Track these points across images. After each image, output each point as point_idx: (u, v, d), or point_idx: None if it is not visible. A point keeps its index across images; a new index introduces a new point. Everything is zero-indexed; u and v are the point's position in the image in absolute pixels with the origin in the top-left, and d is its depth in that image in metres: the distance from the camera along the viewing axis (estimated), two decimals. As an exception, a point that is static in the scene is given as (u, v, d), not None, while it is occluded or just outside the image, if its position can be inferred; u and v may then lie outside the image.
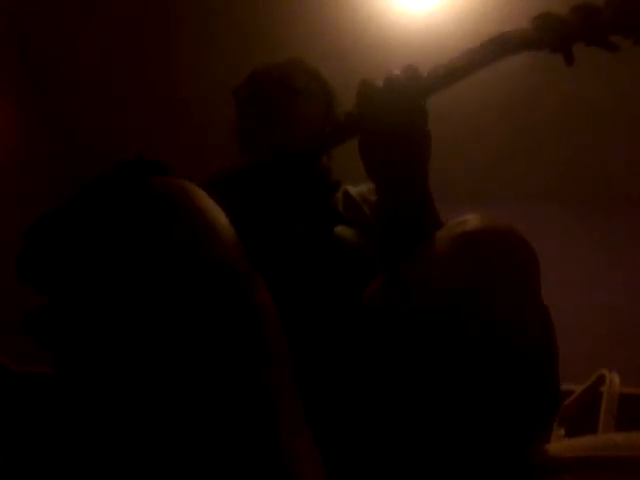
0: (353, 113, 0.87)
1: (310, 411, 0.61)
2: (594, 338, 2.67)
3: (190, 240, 0.60)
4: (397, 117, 0.78)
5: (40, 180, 2.75)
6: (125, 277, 0.58)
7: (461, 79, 0.80)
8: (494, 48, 0.79)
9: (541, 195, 2.93)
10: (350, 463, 0.66)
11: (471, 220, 0.71)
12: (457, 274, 0.66)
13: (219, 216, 0.64)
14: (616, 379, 1.62)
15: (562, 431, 1.65)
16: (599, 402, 1.61)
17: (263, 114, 1.09)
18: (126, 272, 0.58)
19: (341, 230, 0.96)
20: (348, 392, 0.70)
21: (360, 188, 1.10)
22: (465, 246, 0.68)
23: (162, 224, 0.60)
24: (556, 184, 2.95)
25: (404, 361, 0.66)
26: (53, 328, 0.63)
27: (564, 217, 2.93)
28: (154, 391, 0.55)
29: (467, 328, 0.63)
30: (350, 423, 0.68)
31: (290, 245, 0.90)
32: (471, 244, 0.68)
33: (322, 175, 1.12)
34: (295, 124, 1.06)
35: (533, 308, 0.68)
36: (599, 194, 2.95)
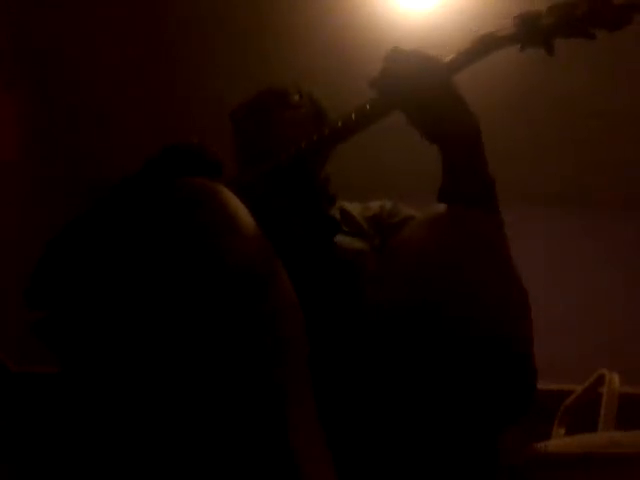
0: (352, 116, 0.94)
1: (320, 409, 0.62)
2: (594, 338, 2.67)
3: (220, 244, 0.61)
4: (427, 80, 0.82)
5: (39, 180, 2.75)
6: (150, 279, 0.59)
7: (456, 73, 0.87)
8: (482, 44, 0.87)
9: (542, 198, 2.93)
10: (355, 459, 0.66)
11: (436, 207, 0.77)
12: (427, 254, 0.69)
13: (248, 220, 0.65)
14: (616, 379, 1.62)
15: (562, 431, 1.65)
16: (599, 402, 1.61)
17: (259, 128, 1.14)
18: (151, 274, 0.59)
19: (341, 239, 0.99)
20: (352, 391, 0.70)
21: (354, 205, 1.14)
22: (431, 229, 0.72)
23: (191, 229, 0.61)
24: (557, 187, 2.95)
25: (388, 347, 0.67)
26: (69, 334, 0.63)
27: (564, 219, 2.94)
28: (167, 389, 0.55)
29: (436, 309, 0.65)
30: (356, 421, 0.68)
31: (294, 251, 0.91)
32: (436, 226, 0.73)
33: (322, 186, 1.15)
34: (289, 137, 1.10)
35: (503, 280, 0.71)
36: (599, 196, 2.95)
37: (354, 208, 1.14)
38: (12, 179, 2.56)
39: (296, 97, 1.23)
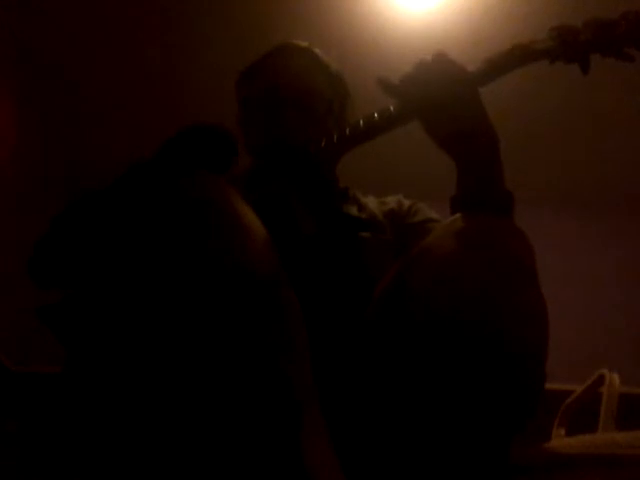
0: (374, 116, 0.89)
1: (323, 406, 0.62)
2: (594, 338, 2.67)
3: (223, 246, 0.60)
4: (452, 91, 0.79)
5: (39, 181, 2.76)
6: (155, 277, 0.59)
7: (485, 85, 0.83)
8: (518, 55, 0.82)
9: (539, 198, 2.93)
10: (361, 464, 0.66)
11: (461, 217, 0.73)
12: (458, 273, 0.67)
13: (254, 220, 0.65)
14: (616, 379, 1.62)
15: (562, 431, 1.65)
16: (599, 402, 1.61)
17: (275, 118, 1.07)
18: (157, 273, 0.59)
19: (363, 235, 0.97)
20: (360, 394, 0.70)
21: (370, 199, 1.11)
22: (460, 245, 0.69)
23: (197, 228, 0.60)
24: (554, 187, 2.95)
25: (403, 355, 0.66)
26: (75, 323, 0.63)
27: (563, 219, 2.94)
28: (174, 384, 0.55)
29: (465, 325, 0.64)
30: (363, 423, 0.68)
31: (315, 249, 0.91)
32: (467, 241, 0.69)
33: (333, 182, 1.12)
34: (308, 128, 1.06)
35: (533, 301, 0.69)
36: (598, 196, 2.95)
37: (370, 201, 1.10)
38: (11, 179, 2.56)
39: (315, 81, 1.12)
